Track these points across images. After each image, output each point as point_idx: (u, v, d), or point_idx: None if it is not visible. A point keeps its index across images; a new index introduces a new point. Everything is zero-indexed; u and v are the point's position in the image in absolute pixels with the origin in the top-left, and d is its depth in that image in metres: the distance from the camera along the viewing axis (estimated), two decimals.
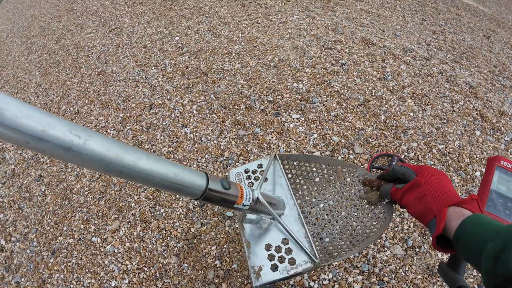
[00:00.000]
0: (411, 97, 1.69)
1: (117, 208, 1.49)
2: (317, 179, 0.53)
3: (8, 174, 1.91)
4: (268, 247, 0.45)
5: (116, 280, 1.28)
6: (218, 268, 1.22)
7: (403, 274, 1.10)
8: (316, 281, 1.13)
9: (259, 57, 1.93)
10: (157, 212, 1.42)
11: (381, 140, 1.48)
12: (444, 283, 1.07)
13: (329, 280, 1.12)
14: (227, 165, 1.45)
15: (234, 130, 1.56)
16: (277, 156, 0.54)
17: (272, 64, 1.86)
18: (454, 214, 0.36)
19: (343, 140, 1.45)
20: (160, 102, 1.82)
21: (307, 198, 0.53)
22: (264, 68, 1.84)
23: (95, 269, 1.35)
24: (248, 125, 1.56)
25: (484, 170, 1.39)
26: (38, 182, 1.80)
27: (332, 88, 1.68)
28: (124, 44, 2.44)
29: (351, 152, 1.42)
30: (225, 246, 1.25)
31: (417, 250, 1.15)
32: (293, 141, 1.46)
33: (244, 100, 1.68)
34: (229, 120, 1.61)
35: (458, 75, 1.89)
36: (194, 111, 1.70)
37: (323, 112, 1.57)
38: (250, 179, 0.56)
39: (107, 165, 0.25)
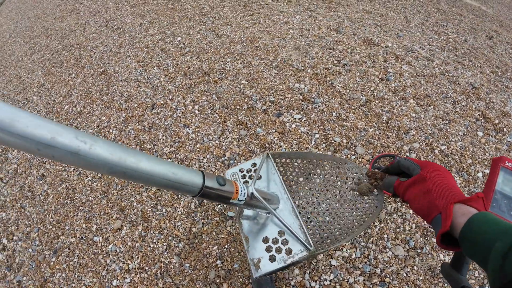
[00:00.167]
0: (413, 97, 1.69)
1: (119, 207, 1.50)
2: (309, 174, 0.56)
3: (10, 173, 1.92)
4: (265, 240, 0.47)
5: (117, 280, 1.28)
6: (220, 268, 1.22)
7: (405, 275, 1.10)
8: (317, 282, 1.13)
9: (261, 57, 1.93)
10: (159, 212, 1.42)
11: (383, 140, 1.47)
12: (447, 284, 1.06)
13: (330, 280, 1.12)
14: (229, 165, 1.45)
15: (236, 130, 1.56)
16: (270, 155, 0.57)
17: (274, 64, 1.87)
18: (460, 211, 0.35)
19: (345, 141, 1.45)
20: (162, 102, 1.82)
21: (300, 192, 0.56)
22: (266, 69, 1.85)
23: (97, 268, 1.35)
24: (250, 125, 1.57)
25: (486, 171, 1.38)
26: (41, 182, 1.81)
27: (334, 89, 1.68)
28: (127, 44, 2.45)
29: (353, 152, 1.42)
30: (226, 246, 1.25)
31: (419, 251, 1.14)
32: (294, 141, 1.46)
33: (246, 100, 1.68)
34: (231, 120, 1.61)
35: (461, 75, 1.88)
36: (196, 111, 1.71)
37: (325, 113, 1.57)
38: (245, 178, 0.58)
39: (111, 167, 0.27)
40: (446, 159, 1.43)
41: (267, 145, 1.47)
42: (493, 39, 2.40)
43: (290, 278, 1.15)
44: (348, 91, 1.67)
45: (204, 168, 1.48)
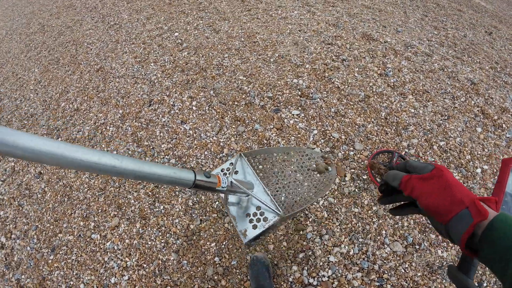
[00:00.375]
0: (412, 93, 1.66)
1: (116, 205, 1.48)
2: (275, 163, 0.70)
3: (8, 171, 1.89)
4: (248, 215, 0.63)
5: (115, 277, 1.26)
6: (218, 265, 1.20)
7: (403, 271, 1.08)
8: (316, 278, 1.11)
9: (259, 52, 1.89)
10: (157, 209, 1.40)
11: (381, 136, 1.45)
12: (445, 280, 1.05)
13: (328, 277, 1.11)
14: (227, 161, 1.43)
15: (233, 126, 1.54)
16: (242, 154, 0.71)
17: (272, 59, 1.83)
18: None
19: (343, 137, 1.43)
20: (159, 98, 1.79)
21: (270, 177, 0.69)
22: (264, 64, 1.81)
23: (95, 266, 1.34)
24: (247, 121, 1.54)
25: (485, 166, 1.37)
26: (38, 179, 1.79)
27: (332, 84, 1.64)
28: (123, 40, 2.40)
29: (351, 148, 1.39)
30: (224, 243, 1.24)
31: (417, 247, 1.13)
32: (293, 137, 1.43)
33: (243, 96, 1.65)
34: (228, 116, 1.58)
35: (460, 71, 1.85)
36: (194, 108, 1.67)
37: (323, 108, 1.54)
38: (226, 174, 0.72)
39: (136, 174, 0.42)
40: (445, 155, 1.41)
41: (265, 141, 1.45)
42: (493, 34, 2.36)
43: (288, 275, 1.14)
44: (346, 86, 1.64)
45: (202, 165, 1.45)
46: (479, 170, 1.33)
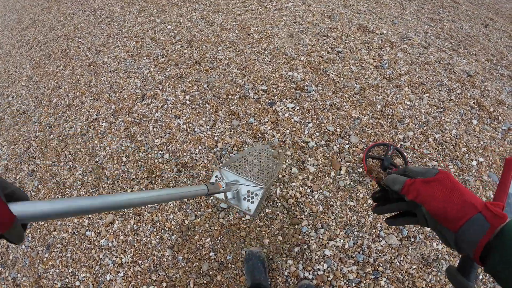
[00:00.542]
0: (408, 85, 1.61)
1: None
2: (247, 161, 0.91)
3: (1, 169, 1.83)
4: (244, 199, 0.83)
5: (111, 274, 1.23)
6: (213, 260, 1.18)
7: (398, 264, 1.06)
8: (311, 272, 1.09)
9: (254, 45, 1.82)
10: (151, 205, 1.36)
11: (377, 129, 1.41)
12: (440, 273, 1.03)
13: (323, 270, 1.08)
14: (221, 156, 1.38)
15: (227, 120, 1.48)
16: (220, 168, 0.89)
17: (266, 52, 1.76)
18: None
19: (338, 130, 1.39)
20: (152, 93, 1.72)
21: (246, 169, 0.90)
22: (258, 57, 1.74)
23: (90, 263, 1.30)
24: (242, 115, 1.48)
25: (481, 159, 1.34)
26: (31, 177, 1.73)
27: (327, 77, 1.59)
28: (115, 34, 2.31)
29: (347, 141, 1.35)
30: (219, 238, 1.21)
31: (412, 240, 1.11)
32: (287, 131, 1.39)
33: (238, 90, 1.59)
34: (222, 110, 1.53)
35: (456, 63, 1.81)
36: (187, 102, 1.62)
37: (319, 101, 1.49)
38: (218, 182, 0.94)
39: (175, 197, 0.54)
40: (440, 147, 1.37)
41: (260, 135, 1.40)
42: (489, 27, 2.31)
43: (284, 269, 1.12)
44: (342, 79, 1.58)
45: (196, 160, 1.41)
46: (474, 163, 1.30)
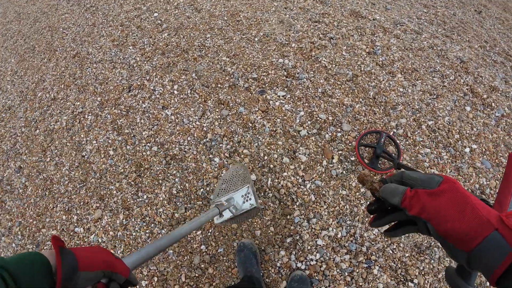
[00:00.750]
0: (401, 72, 1.54)
1: (98, 196, 1.35)
2: (228, 181, 0.97)
3: None
4: (243, 202, 0.88)
5: None
6: (204, 253, 1.12)
7: (391, 252, 1.02)
8: (304, 262, 1.04)
9: (243, 32, 1.70)
10: (140, 199, 1.28)
11: (369, 116, 1.34)
12: (433, 261, 0.99)
13: (316, 260, 1.04)
14: (211, 147, 1.30)
15: (217, 110, 1.39)
16: (213, 201, 0.94)
17: (256, 39, 1.65)
18: None
19: (330, 118, 1.31)
20: (139, 83, 1.61)
21: (233, 186, 0.95)
22: (248, 44, 1.63)
23: None
24: (231, 104, 1.39)
25: (474, 146, 1.29)
26: (19, 174, 1.63)
27: (319, 63, 1.50)
28: (100, 23, 2.15)
29: (339, 129, 1.28)
30: (210, 231, 1.14)
31: None
32: (278, 119, 1.31)
33: (227, 78, 1.49)
34: (211, 99, 1.43)
35: (449, 49, 1.73)
36: (175, 92, 1.51)
37: (310, 89, 1.40)
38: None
39: (194, 229, 0.60)
40: (433, 134, 1.32)
41: (250, 124, 1.32)
42: (482, 13, 2.22)
43: (276, 260, 1.07)
44: (334, 65, 1.49)
45: (185, 152, 1.32)
46: (467, 150, 1.25)
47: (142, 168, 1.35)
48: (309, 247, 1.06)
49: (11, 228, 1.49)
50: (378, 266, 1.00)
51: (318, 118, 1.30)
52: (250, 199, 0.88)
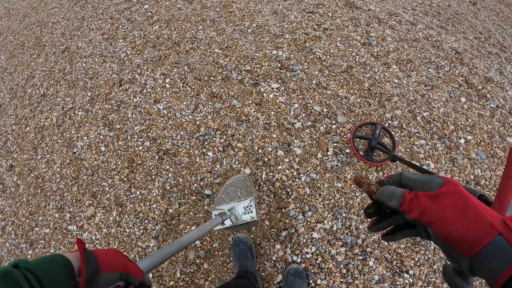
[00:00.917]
0: (396, 63, 1.48)
1: (90, 193, 1.30)
2: (229, 191, 0.98)
3: None
4: (244, 213, 0.89)
5: None
6: (199, 248, 1.08)
7: (386, 243, 0.99)
8: (299, 255, 1.01)
9: (236, 23, 1.63)
10: (133, 195, 1.23)
11: (364, 108, 1.29)
12: (428, 252, 0.97)
13: (312, 253, 1.00)
14: (204, 141, 1.24)
15: (210, 103, 1.33)
16: (213, 207, 0.95)
17: (249, 30, 1.58)
18: None
19: (325, 110, 1.26)
20: (130, 77, 1.53)
21: (233, 196, 0.97)
22: (241, 35, 1.56)
23: None
24: (224, 97, 1.33)
25: (469, 137, 1.26)
26: (10, 173, 1.56)
27: (313, 55, 1.44)
28: (89, 16, 2.04)
29: (334, 121, 1.24)
30: None
31: None
32: (272, 112, 1.25)
33: (220, 71, 1.42)
34: (204, 93, 1.37)
35: (444, 40, 1.68)
36: (167, 85, 1.44)
37: (304, 81, 1.34)
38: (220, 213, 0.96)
39: (200, 236, 0.62)
40: (428, 125, 1.28)
41: (244, 117, 1.26)
42: (477, 5, 2.17)
43: (272, 254, 1.03)
44: (328, 57, 1.43)
45: (178, 146, 1.27)
46: (462, 141, 1.22)
47: (134, 164, 1.29)
48: (304, 240, 1.02)
49: (4, 228, 1.43)
50: (373, 258, 0.97)
51: (312, 110, 1.25)
52: (251, 211, 0.90)
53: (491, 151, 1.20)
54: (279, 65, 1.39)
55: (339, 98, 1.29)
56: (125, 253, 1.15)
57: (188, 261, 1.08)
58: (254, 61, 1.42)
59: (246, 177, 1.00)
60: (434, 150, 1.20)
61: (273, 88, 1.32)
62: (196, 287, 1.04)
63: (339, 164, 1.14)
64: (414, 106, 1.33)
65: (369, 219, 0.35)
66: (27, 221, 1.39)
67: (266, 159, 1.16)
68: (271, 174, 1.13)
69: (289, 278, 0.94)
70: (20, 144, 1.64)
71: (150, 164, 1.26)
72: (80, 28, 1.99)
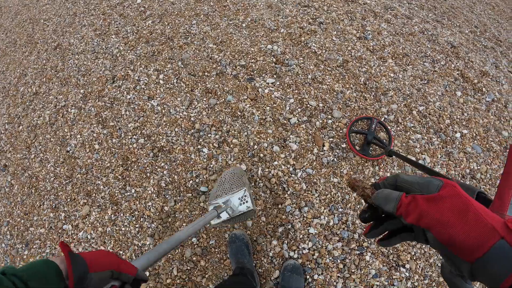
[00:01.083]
0: (392, 57, 1.45)
1: (85, 192, 1.26)
2: (223, 186, 0.97)
3: None
4: (239, 204, 0.89)
5: None
6: (195, 246, 1.05)
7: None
8: (296, 251, 0.99)
9: (230, 17, 1.57)
10: (128, 193, 1.19)
11: (360, 103, 1.26)
12: (424, 245, 0.95)
13: (308, 249, 0.98)
14: (199, 137, 1.21)
15: (204, 99, 1.29)
16: (209, 202, 0.94)
17: (244, 25, 1.52)
18: None
19: (321, 104, 1.23)
20: (123, 73, 1.48)
21: (227, 189, 0.96)
22: (235, 30, 1.51)
23: None
24: (219, 93, 1.29)
25: (464, 131, 1.23)
26: (4, 172, 1.51)
27: (309, 49, 1.39)
28: (81, 12, 1.97)
29: (330, 116, 1.20)
30: None
31: None
32: (268, 107, 1.22)
33: (214, 66, 1.38)
34: (198, 88, 1.32)
35: (440, 34, 1.64)
36: (161, 81, 1.39)
37: (300, 75, 1.30)
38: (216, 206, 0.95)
39: (199, 226, 0.61)
40: (424, 120, 1.25)
41: (239, 113, 1.22)
42: None
43: (269, 250, 1.01)
44: (324, 51, 1.39)
45: (172, 143, 1.23)
46: (458, 135, 1.19)
47: (129, 162, 1.25)
48: (301, 236, 1.00)
49: (0, 228, 1.39)
50: (370, 252, 0.95)
51: (308, 105, 1.21)
52: (246, 201, 0.89)
53: (487, 145, 1.18)
54: (274, 59, 1.35)
55: (335, 93, 1.26)
56: (121, 252, 1.12)
57: (184, 258, 1.05)
58: (249, 56, 1.37)
59: (236, 169, 1.00)
60: (430, 144, 1.17)
61: (268, 83, 1.28)
62: (193, 284, 1.01)
63: (335, 159, 1.11)
64: (410, 100, 1.30)
65: (364, 224, 0.32)
66: (22, 221, 1.35)
67: (261, 155, 1.13)
68: (267, 170, 1.10)
69: (286, 274, 0.92)
70: (13, 143, 1.59)
71: (145, 161, 1.22)
72: (72, 24, 1.92)
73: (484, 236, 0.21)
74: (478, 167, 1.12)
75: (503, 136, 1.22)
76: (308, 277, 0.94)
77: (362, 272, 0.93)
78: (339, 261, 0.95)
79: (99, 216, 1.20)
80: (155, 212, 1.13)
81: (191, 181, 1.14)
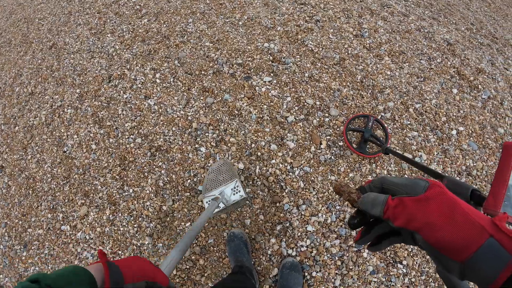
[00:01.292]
0: (388, 54, 1.43)
1: (83, 192, 1.24)
2: (213, 178, 1.01)
3: None
4: (232, 194, 0.94)
5: None
6: (194, 245, 1.04)
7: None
8: (294, 249, 0.98)
9: (226, 15, 1.54)
10: (126, 193, 1.18)
11: (357, 100, 1.25)
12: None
13: (306, 246, 0.97)
14: (196, 136, 1.19)
15: (201, 98, 1.27)
16: (204, 196, 0.98)
17: (240, 23, 1.50)
18: None
19: (318, 102, 1.21)
20: (119, 73, 1.45)
21: (220, 181, 0.99)
22: (232, 28, 1.48)
23: (69, 258, 1.14)
24: (216, 91, 1.27)
25: (461, 128, 1.22)
26: (1, 174, 1.49)
27: (306, 47, 1.37)
28: (76, 11, 1.92)
29: (327, 114, 1.19)
30: None
31: None
32: (265, 106, 1.20)
33: (211, 65, 1.35)
34: (195, 87, 1.30)
35: (436, 32, 1.62)
36: (157, 80, 1.37)
37: (297, 73, 1.29)
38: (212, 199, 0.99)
39: (205, 219, 0.65)
40: (421, 117, 1.24)
41: (236, 111, 1.20)
42: None
43: (267, 248, 1.00)
44: (321, 49, 1.37)
45: (170, 142, 1.21)
46: (454, 132, 1.19)
47: (126, 161, 1.23)
48: (299, 234, 0.99)
49: None
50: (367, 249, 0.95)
51: (305, 104, 1.20)
52: (239, 191, 0.94)
53: (483, 142, 1.17)
54: (271, 58, 1.32)
55: (331, 91, 1.24)
56: (119, 252, 1.11)
57: (183, 257, 1.04)
58: (246, 54, 1.35)
59: (223, 162, 1.03)
60: (427, 142, 1.16)
61: (265, 82, 1.26)
62: (192, 283, 1.00)
63: (332, 157, 1.10)
64: (406, 98, 1.29)
65: (354, 231, 0.31)
66: (20, 222, 1.32)
67: (259, 154, 1.12)
68: (264, 168, 1.09)
69: (285, 272, 0.91)
70: (10, 144, 1.56)
71: (142, 161, 1.20)
72: (67, 23, 1.87)
73: (473, 235, 0.21)
74: (474, 164, 1.12)
75: (499, 133, 1.21)
76: (306, 274, 0.94)
77: (360, 268, 0.93)
78: (337, 258, 0.95)
79: (97, 217, 1.18)
80: (154, 211, 1.12)
81: (189, 180, 1.13)
